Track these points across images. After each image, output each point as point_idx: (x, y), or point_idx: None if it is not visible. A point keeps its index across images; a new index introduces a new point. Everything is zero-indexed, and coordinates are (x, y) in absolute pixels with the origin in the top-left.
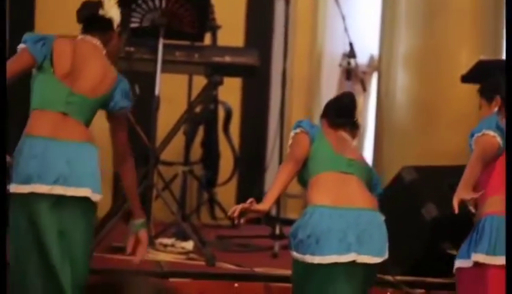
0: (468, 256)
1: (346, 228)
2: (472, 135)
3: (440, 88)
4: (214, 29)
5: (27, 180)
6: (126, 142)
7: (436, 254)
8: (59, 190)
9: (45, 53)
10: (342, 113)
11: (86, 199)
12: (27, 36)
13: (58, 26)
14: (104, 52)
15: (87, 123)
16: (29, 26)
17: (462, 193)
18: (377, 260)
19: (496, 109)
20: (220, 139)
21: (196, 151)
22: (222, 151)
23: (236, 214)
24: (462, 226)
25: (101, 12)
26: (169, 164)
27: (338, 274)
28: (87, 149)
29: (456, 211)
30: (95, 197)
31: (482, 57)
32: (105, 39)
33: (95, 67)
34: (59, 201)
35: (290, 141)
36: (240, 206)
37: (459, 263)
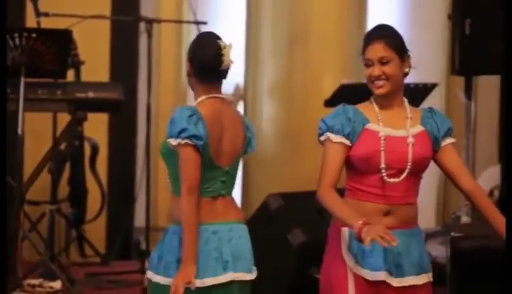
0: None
1: (220, 246)
2: None
3: (305, 115)
4: (77, 65)
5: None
6: None
7: (304, 279)
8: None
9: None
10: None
11: None
12: None
13: None
14: None
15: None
16: None
17: None
18: (251, 276)
19: (407, 70)
20: (87, 175)
21: (63, 189)
22: (89, 187)
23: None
24: None
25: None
26: (35, 203)
27: None
28: None
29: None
30: None
31: (344, 81)
32: None
33: None
34: None
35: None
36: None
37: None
